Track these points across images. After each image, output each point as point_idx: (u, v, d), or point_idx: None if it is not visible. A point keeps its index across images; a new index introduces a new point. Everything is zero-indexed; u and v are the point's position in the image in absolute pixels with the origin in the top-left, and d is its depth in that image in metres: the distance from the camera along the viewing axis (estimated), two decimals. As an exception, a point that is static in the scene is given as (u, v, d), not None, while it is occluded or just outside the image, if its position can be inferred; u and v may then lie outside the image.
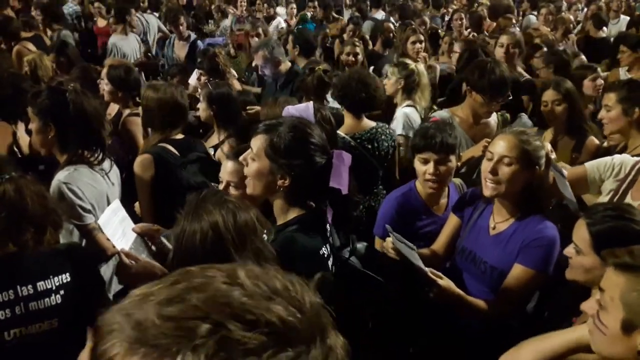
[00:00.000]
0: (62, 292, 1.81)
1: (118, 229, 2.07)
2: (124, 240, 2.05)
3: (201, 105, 3.45)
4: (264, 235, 1.67)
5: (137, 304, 0.61)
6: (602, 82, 4.13)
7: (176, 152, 2.98)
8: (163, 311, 0.59)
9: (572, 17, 7.27)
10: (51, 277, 1.81)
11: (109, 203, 2.61)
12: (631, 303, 1.36)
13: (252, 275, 0.65)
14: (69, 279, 1.83)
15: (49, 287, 1.80)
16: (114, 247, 2.06)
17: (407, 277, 2.19)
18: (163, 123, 3.02)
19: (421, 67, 4.11)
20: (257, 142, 1.87)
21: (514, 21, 7.40)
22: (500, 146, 2.20)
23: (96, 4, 7.73)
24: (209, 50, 4.80)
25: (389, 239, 2.22)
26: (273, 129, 1.86)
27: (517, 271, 2.15)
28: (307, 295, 0.66)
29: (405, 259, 2.11)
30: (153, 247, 2.15)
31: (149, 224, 2.22)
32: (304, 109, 2.14)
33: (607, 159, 2.61)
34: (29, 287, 1.76)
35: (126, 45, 6.48)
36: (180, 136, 3.08)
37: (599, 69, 4.29)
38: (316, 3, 10.21)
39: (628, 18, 8.31)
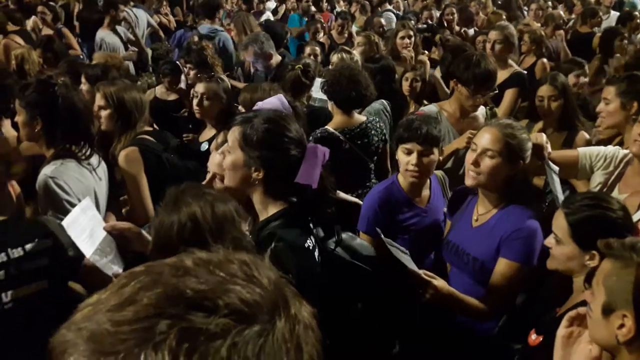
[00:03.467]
0: (48, 254, 1.92)
1: (85, 229, 2.04)
2: (90, 242, 2.02)
3: (208, 101, 3.37)
4: (244, 227, 1.67)
5: (87, 317, 0.60)
6: (585, 79, 4.15)
7: (155, 141, 2.95)
8: (115, 317, 0.58)
9: (562, 14, 7.30)
10: (37, 240, 1.91)
11: (96, 198, 2.59)
12: (610, 286, 1.39)
13: (200, 262, 0.64)
14: (51, 244, 1.93)
15: (37, 249, 1.90)
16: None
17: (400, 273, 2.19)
18: (137, 118, 2.93)
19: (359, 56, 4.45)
20: (232, 135, 1.86)
21: (503, 16, 7.41)
22: (485, 138, 2.22)
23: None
24: (191, 46, 4.75)
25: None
26: (247, 121, 1.85)
27: (502, 265, 2.17)
28: (262, 270, 0.66)
29: (399, 262, 2.10)
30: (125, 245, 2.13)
31: (122, 222, 2.20)
32: (277, 102, 2.10)
33: (601, 148, 2.62)
34: (19, 249, 1.86)
35: (113, 40, 6.43)
36: (148, 128, 3.04)
37: (586, 67, 4.30)
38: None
39: (618, 13, 8.36)
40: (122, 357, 0.55)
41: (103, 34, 6.44)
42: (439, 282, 2.10)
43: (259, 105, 2.09)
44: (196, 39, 5.56)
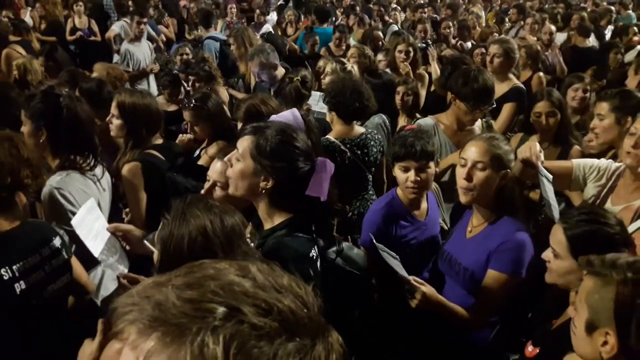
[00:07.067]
0: (64, 249, 2.09)
1: (92, 229, 2.09)
2: (98, 241, 2.08)
3: (198, 125, 3.37)
4: (248, 238, 1.69)
5: (155, 288, 0.64)
6: (582, 94, 4.19)
7: (161, 157, 2.94)
8: (182, 294, 0.62)
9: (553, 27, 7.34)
10: (53, 238, 2.06)
11: (100, 209, 2.62)
12: (593, 304, 1.42)
13: (262, 270, 0.70)
14: (60, 240, 2.10)
15: (57, 246, 2.06)
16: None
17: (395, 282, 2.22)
18: (146, 129, 2.93)
19: (355, 69, 4.53)
20: (244, 143, 1.88)
21: (494, 31, 7.49)
22: (473, 152, 2.26)
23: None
24: (189, 61, 4.75)
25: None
26: (260, 131, 1.88)
27: (490, 276, 2.21)
28: (309, 294, 0.70)
29: (390, 268, 2.14)
30: (127, 247, 2.17)
31: (125, 224, 2.24)
32: (290, 117, 2.14)
33: (594, 160, 2.64)
34: (46, 248, 2.02)
35: (138, 51, 6.47)
36: (159, 141, 3.04)
37: (586, 80, 4.33)
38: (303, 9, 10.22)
39: (612, 27, 8.47)
40: (180, 330, 0.59)
41: (128, 46, 6.48)
42: (428, 289, 2.14)
43: (274, 118, 2.13)
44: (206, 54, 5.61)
